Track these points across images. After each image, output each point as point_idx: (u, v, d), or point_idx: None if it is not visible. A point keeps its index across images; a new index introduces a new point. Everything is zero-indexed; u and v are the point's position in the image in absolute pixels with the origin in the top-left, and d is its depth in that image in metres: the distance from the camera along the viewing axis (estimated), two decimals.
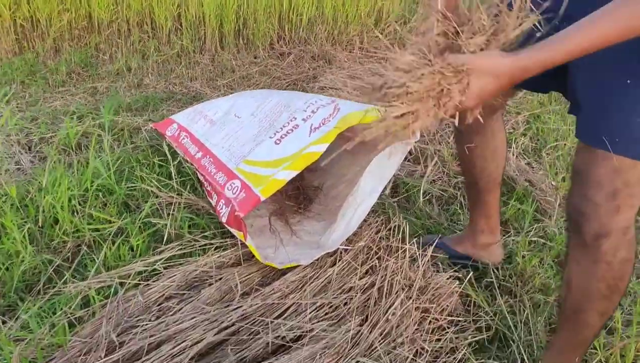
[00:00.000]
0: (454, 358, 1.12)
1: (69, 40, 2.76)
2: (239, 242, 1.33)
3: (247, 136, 1.46)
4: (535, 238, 1.54)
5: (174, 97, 2.43)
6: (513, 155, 1.95)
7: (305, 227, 1.46)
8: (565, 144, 2.08)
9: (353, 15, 3.04)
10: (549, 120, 2.23)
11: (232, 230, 1.27)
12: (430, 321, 1.18)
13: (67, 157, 1.84)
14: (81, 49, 2.75)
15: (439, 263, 1.37)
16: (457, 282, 1.28)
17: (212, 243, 1.34)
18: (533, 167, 1.92)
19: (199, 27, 2.82)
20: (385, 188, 1.37)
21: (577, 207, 0.94)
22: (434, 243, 1.41)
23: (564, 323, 1.06)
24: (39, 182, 1.51)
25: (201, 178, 1.50)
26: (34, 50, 2.69)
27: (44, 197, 1.43)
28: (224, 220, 1.27)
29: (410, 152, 1.98)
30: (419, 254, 1.31)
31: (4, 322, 1.18)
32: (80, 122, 2.10)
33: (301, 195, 1.59)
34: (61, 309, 1.16)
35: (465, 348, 1.15)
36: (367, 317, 1.17)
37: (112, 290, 1.20)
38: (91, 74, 2.62)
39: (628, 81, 0.86)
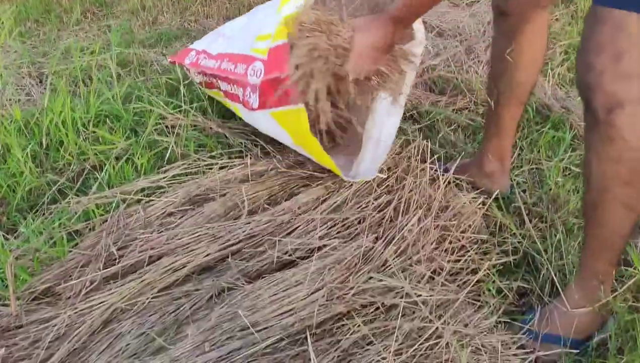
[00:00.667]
0: (474, 278, 1.02)
1: None
2: (248, 161, 1.25)
3: (255, 27, 1.36)
4: (572, 167, 1.42)
5: (189, 34, 2.34)
6: (549, 82, 1.80)
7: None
8: None
9: None
10: None
11: (268, 116, 1.16)
12: (450, 241, 1.09)
13: (77, 88, 1.79)
14: None
15: (463, 185, 1.27)
16: (481, 204, 1.17)
17: (218, 163, 1.26)
18: (570, 96, 1.77)
19: None
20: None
21: (583, 79, 0.81)
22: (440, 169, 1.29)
23: (587, 228, 0.92)
24: (44, 106, 1.46)
25: (224, 87, 1.39)
26: None
27: (47, 117, 1.38)
28: (254, 106, 1.18)
29: (434, 82, 1.85)
30: (440, 174, 1.21)
31: (6, 239, 1.15)
32: (92, 56, 2.05)
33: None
34: (60, 223, 1.11)
35: (489, 269, 1.06)
36: (381, 234, 1.08)
37: (114, 205, 1.15)
38: (106, 13, 2.55)
39: None
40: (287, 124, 1.15)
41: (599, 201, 0.87)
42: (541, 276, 1.08)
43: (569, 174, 1.39)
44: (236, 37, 1.43)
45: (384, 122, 1.25)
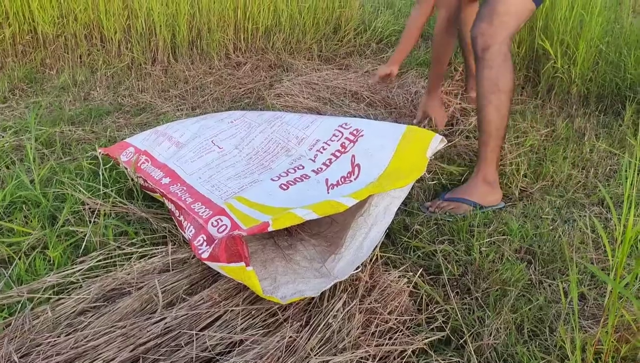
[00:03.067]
0: (403, 360, 1.00)
1: (12, 55, 2.63)
2: (169, 249, 1.21)
3: (232, 171, 1.34)
4: (496, 234, 1.46)
5: (122, 109, 2.31)
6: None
7: (301, 251, 1.26)
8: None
9: (311, 23, 2.98)
10: None
11: (217, 267, 1.08)
12: (377, 324, 1.07)
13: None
14: (25, 65, 2.63)
15: (389, 263, 1.27)
16: (406, 280, 1.17)
17: (138, 251, 1.21)
18: None
19: (150, 38, 2.73)
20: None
21: (472, 34, 1.53)
22: None
23: (479, 125, 1.58)
24: None
25: (169, 206, 1.32)
26: None
27: None
28: (204, 256, 1.09)
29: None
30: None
31: None
32: (16, 136, 1.98)
33: None
34: None
35: (418, 348, 1.04)
36: (306, 322, 1.05)
37: (20, 306, 1.07)
38: (35, 89, 2.49)
39: None
40: (236, 276, 1.07)
41: (482, 105, 1.54)
42: (466, 353, 1.07)
43: (493, 243, 1.43)
44: (192, 156, 1.38)
45: (377, 221, 1.22)
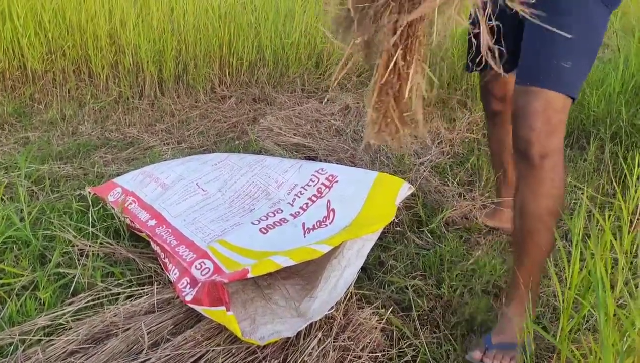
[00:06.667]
0: None
1: (2, 90, 2.70)
2: (155, 289, 1.28)
3: (215, 214, 1.42)
4: (466, 270, 1.54)
5: (109, 144, 2.38)
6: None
7: (279, 290, 1.31)
8: None
9: (294, 58, 3.10)
10: None
11: (199, 309, 1.15)
12: (350, 360, 1.14)
13: None
14: (15, 99, 2.70)
15: (363, 299, 1.35)
16: (379, 317, 1.25)
17: (125, 292, 1.28)
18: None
19: (138, 73, 2.81)
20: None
21: (523, 137, 1.12)
22: None
23: (522, 252, 1.19)
24: None
25: (155, 248, 1.40)
26: None
27: None
28: (188, 299, 1.17)
29: None
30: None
31: None
32: (5, 173, 2.04)
33: None
34: None
35: None
36: (284, 360, 1.12)
37: (12, 348, 1.13)
38: (24, 124, 2.55)
39: (553, 35, 1.02)
40: (217, 319, 1.13)
41: (534, 229, 1.16)
42: None
43: (463, 277, 1.51)
44: (177, 199, 1.45)
45: (350, 263, 1.26)
